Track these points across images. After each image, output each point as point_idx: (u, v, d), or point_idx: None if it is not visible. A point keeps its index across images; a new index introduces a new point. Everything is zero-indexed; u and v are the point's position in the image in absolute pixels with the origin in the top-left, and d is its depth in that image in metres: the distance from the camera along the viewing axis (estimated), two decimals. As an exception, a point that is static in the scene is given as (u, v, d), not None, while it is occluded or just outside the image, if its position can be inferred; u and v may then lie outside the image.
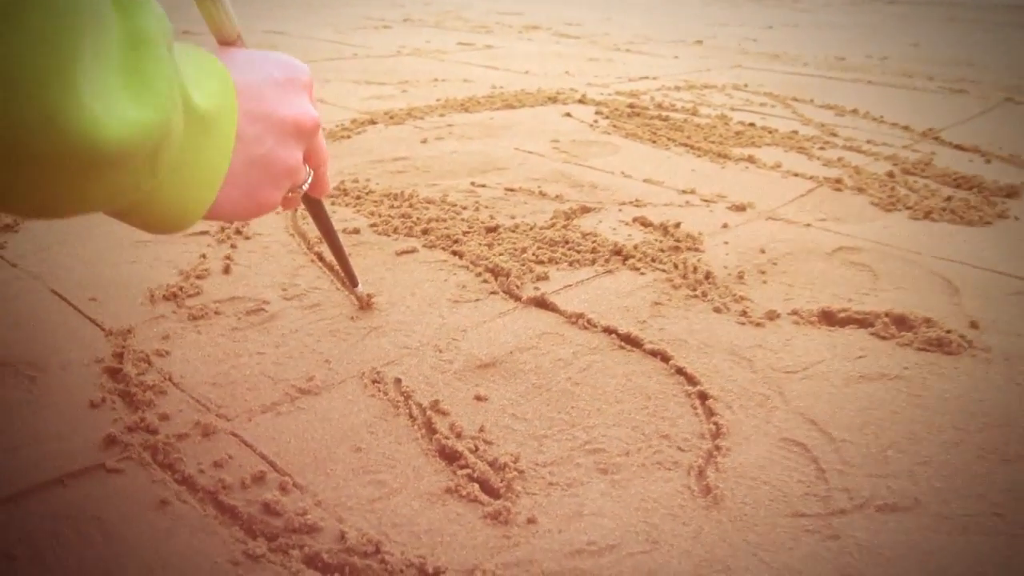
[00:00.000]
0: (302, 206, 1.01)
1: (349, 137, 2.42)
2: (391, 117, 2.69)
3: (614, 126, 2.68)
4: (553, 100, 3.10)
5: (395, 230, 1.64)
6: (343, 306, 1.29)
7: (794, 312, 1.34)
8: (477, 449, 0.95)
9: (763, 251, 1.61)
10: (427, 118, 2.73)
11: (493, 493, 0.89)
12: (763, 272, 1.51)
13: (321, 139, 0.73)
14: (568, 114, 2.88)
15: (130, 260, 1.44)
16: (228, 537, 0.79)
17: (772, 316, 1.32)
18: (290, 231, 1.62)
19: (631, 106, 2.95)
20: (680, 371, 1.15)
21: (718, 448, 0.98)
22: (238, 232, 1.60)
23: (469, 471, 0.91)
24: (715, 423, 1.02)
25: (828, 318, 1.33)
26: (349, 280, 1.18)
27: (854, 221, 1.83)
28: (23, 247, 1.49)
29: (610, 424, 1.01)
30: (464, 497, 0.87)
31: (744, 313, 1.33)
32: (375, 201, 1.82)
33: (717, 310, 1.34)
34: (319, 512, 0.83)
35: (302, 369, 1.11)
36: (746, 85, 3.66)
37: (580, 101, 3.09)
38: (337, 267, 1.24)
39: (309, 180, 0.72)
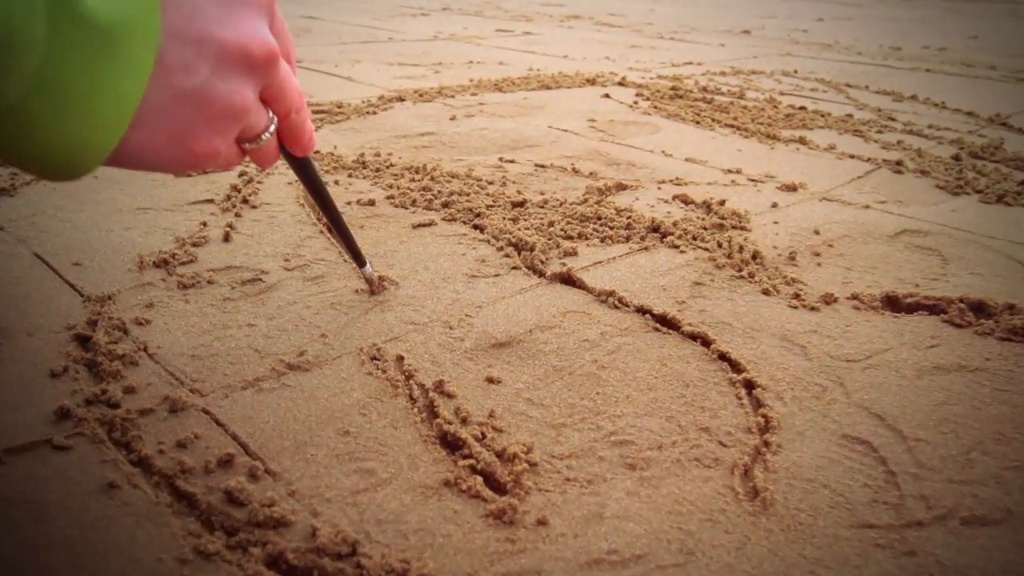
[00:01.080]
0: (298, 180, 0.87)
1: (375, 113, 2.30)
2: (420, 95, 2.56)
3: (655, 107, 2.52)
4: (591, 82, 2.95)
5: (413, 203, 1.50)
6: (350, 279, 1.16)
7: (854, 296, 1.17)
8: (484, 437, 0.81)
9: (817, 232, 1.45)
10: (458, 96, 2.60)
11: (499, 488, 0.74)
12: (817, 254, 1.34)
13: (289, 77, 0.58)
14: (607, 95, 2.73)
15: (125, 227, 1.33)
16: (180, 529, 0.66)
17: (829, 300, 1.16)
18: (301, 200, 1.50)
19: (674, 88, 2.79)
20: (723, 356, 0.99)
21: (767, 444, 0.82)
22: (245, 201, 1.48)
23: (472, 462, 0.77)
24: (763, 415, 0.87)
25: (893, 303, 1.17)
26: (353, 258, 1.04)
27: (918, 204, 1.65)
28: (15, 211, 1.38)
29: (640, 414, 0.86)
30: (464, 492, 0.73)
31: (797, 296, 1.17)
32: (395, 174, 1.69)
33: (766, 292, 1.18)
34: (291, 504, 0.69)
35: (294, 343, 0.98)
36: (796, 71, 3.47)
37: (620, 83, 2.93)
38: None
39: (272, 128, 0.57)
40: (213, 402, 0.83)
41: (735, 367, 0.97)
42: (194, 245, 1.23)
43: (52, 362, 0.87)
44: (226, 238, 1.26)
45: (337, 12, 5.55)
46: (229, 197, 1.46)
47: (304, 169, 0.88)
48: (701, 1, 8.70)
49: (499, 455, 0.79)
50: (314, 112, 2.20)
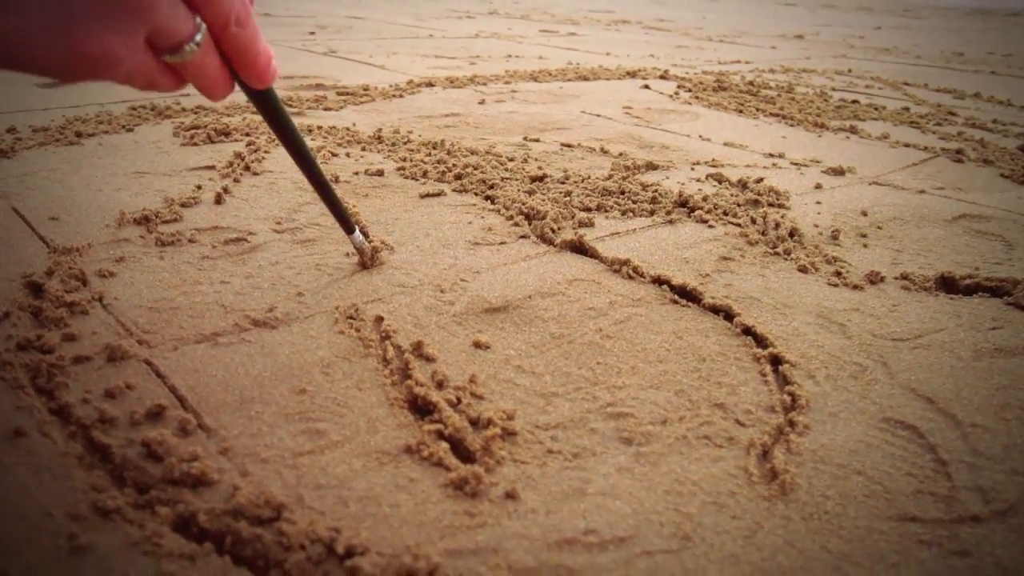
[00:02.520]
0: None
1: (401, 96, 2.21)
2: (451, 81, 2.47)
3: (696, 97, 2.39)
4: (632, 75, 2.83)
5: (424, 174, 1.40)
6: (343, 243, 1.06)
7: (903, 276, 1.03)
8: (459, 402, 0.70)
9: (864, 214, 1.30)
10: (490, 84, 2.50)
11: (467, 457, 0.63)
12: (864, 235, 1.20)
13: None
14: (646, 86, 2.61)
15: (116, 188, 1.25)
16: (83, 483, 0.55)
17: (874, 279, 1.02)
18: (304, 168, 1.40)
19: (718, 82, 2.65)
20: (748, 331, 0.86)
21: (792, 424, 0.69)
22: (247, 168, 1.39)
23: (440, 427, 0.65)
24: (790, 394, 0.74)
25: (949, 284, 1.02)
26: (340, 223, 0.92)
27: (980, 191, 1.49)
28: (7, 171, 1.32)
29: (646, 386, 0.74)
30: (426, 459, 0.61)
31: (838, 274, 1.03)
32: (410, 148, 1.59)
33: (802, 269, 1.04)
34: (219, 462, 0.59)
35: (266, 300, 0.87)
36: (850, 70, 3.30)
37: (662, 77, 2.80)
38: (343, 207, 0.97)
39: (199, 39, 0.46)
40: (159, 354, 0.73)
41: (761, 342, 0.84)
42: (182, 206, 1.15)
43: (-5, 307, 0.78)
44: (218, 200, 1.17)
45: (382, 13, 5.54)
46: (231, 164, 1.38)
47: (267, 108, 0.76)
48: (754, 10, 8.52)
49: (473, 422, 0.67)
50: (339, 94, 2.12)
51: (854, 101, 2.37)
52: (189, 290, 0.88)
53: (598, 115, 2.00)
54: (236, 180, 1.30)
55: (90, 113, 1.73)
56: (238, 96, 1.90)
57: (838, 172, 1.53)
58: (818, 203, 1.33)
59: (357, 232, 0.95)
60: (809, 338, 0.85)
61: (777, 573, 0.52)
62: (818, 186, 1.42)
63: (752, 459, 0.65)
